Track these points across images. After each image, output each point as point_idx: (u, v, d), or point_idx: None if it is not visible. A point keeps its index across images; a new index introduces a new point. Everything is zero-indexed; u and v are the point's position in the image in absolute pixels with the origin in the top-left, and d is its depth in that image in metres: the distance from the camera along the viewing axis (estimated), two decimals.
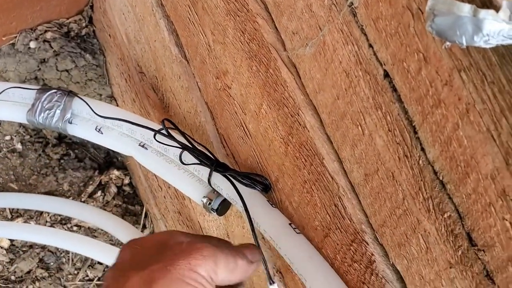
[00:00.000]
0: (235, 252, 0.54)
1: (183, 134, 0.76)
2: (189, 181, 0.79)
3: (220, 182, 0.72)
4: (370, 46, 0.44)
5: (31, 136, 1.31)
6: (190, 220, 1.03)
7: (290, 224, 0.64)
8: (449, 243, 0.43)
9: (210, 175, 0.73)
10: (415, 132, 0.43)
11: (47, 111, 0.93)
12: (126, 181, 1.34)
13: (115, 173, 1.32)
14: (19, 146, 1.30)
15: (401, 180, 0.46)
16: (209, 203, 0.76)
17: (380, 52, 0.44)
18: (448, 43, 0.33)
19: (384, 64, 0.44)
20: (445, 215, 0.43)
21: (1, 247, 1.26)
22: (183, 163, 0.76)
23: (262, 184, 0.68)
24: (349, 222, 0.55)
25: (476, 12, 0.32)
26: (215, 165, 0.72)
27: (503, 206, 0.37)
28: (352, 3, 0.45)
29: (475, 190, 0.39)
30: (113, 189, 1.31)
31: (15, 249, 1.27)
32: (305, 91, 0.56)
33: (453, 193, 0.41)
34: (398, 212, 0.48)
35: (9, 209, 1.27)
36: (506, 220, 0.37)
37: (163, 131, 0.78)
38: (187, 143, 0.76)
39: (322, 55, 0.51)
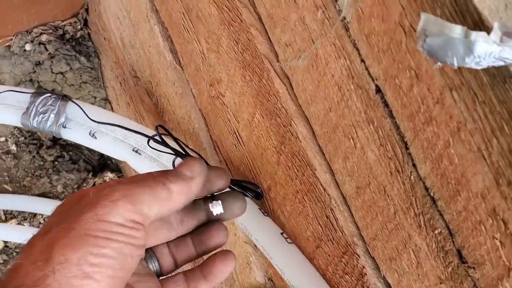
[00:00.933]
0: (162, 178, 0.46)
1: (176, 140, 0.76)
2: None
3: None
4: (362, 61, 0.44)
5: (25, 138, 1.31)
6: None
7: (282, 233, 0.64)
8: (440, 259, 0.43)
9: None
10: (407, 148, 0.43)
11: (41, 115, 0.93)
12: None
13: (109, 175, 1.32)
14: (13, 148, 1.30)
15: (392, 195, 0.46)
16: None
17: (372, 67, 0.44)
18: (439, 63, 0.33)
19: (376, 79, 0.44)
20: (436, 231, 0.43)
21: None
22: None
23: (254, 192, 0.68)
24: (341, 234, 0.54)
25: (467, 34, 0.31)
26: None
27: (493, 225, 0.37)
28: (344, 18, 0.45)
29: (465, 208, 0.39)
30: None
31: (9, 250, 1.26)
32: (297, 102, 0.56)
33: (444, 210, 0.41)
34: (390, 226, 0.48)
35: (3, 210, 1.27)
36: (496, 239, 0.37)
37: (157, 137, 0.77)
38: (180, 149, 0.75)
39: (315, 67, 0.51)
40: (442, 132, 0.39)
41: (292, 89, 0.56)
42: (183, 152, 0.75)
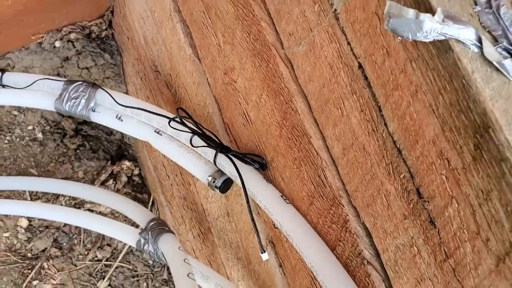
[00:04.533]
0: None
1: (194, 121, 0.89)
2: (196, 163, 0.91)
3: (224, 162, 0.84)
4: (349, 43, 0.57)
5: (51, 127, 1.44)
6: (194, 204, 1.15)
7: (281, 196, 0.76)
8: (404, 198, 0.55)
9: (215, 156, 0.85)
10: (380, 111, 0.55)
11: (73, 100, 1.06)
12: (136, 171, 1.46)
13: (126, 164, 1.45)
14: (40, 136, 1.42)
15: (369, 151, 0.58)
16: (213, 181, 0.88)
17: (356, 48, 0.56)
18: (399, 37, 0.45)
19: (358, 58, 0.56)
20: (401, 176, 0.55)
21: (20, 226, 1.38)
22: (193, 146, 0.88)
23: (259, 163, 0.81)
24: (329, 190, 0.67)
25: (418, 15, 0.44)
26: (220, 147, 0.84)
27: (441, 164, 0.49)
28: (335, 10, 0.57)
29: (422, 153, 0.51)
30: (124, 179, 1.43)
31: (33, 228, 1.39)
32: (297, 81, 0.68)
33: (406, 157, 0.53)
34: (367, 177, 0.60)
35: (28, 192, 1.39)
36: (443, 175, 0.49)
37: (177, 119, 0.90)
38: (197, 129, 0.88)
39: (312, 51, 0.63)
40: (405, 94, 0.51)
41: (294, 71, 0.69)
42: (199, 131, 0.88)
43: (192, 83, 1.00)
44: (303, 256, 0.70)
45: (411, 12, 0.44)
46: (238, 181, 0.81)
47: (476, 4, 0.47)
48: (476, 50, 0.44)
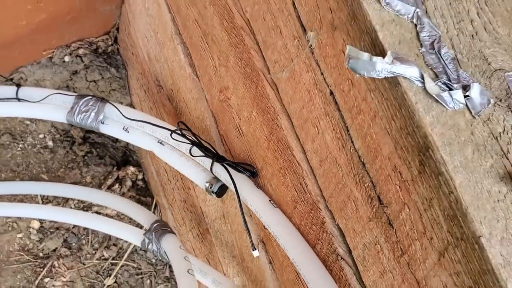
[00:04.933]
0: None
1: (193, 133, 0.99)
2: (195, 170, 1.02)
3: (220, 170, 0.95)
4: (322, 73, 0.68)
5: (61, 135, 1.55)
6: (194, 206, 1.25)
7: (270, 200, 0.87)
8: (368, 204, 0.66)
9: (212, 164, 0.96)
10: (348, 130, 0.66)
11: (84, 113, 1.17)
12: (140, 176, 1.57)
13: (131, 169, 1.56)
14: (50, 143, 1.53)
15: (341, 163, 0.69)
16: (210, 187, 0.99)
17: (327, 78, 0.67)
18: (357, 74, 0.56)
19: (330, 86, 0.67)
20: (365, 185, 0.65)
21: (33, 228, 1.49)
22: (192, 155, 0.99)
23: (250, 171, 0.91)
24: (309, 196, 0.77)
25: (371, 58, 0.55)
26: (216, 157, 0.95)
27: (395, 176, 0.60)
28: (311, 45, 0.68)
29: (380, 167, 0.62)
30: (129, 183, 1.54)
31: (44, 230, 1.49)
32: (282, 102, 0.79)
33: (369, 170, 0.64)
34: (340, 186, 0.71)
35: (40, 195, 1.50)
36: (397, 185, 0.60)
37: (178, 131, 1.01)
38: (196, 140, 0.99)
39: (293, 78, 0.74)
40: (366, 118, 0.62)
41: (279, 93, 0.79)
42: (198, 142, 0.99)
43: (192, 99, 1.10)
44: (288, 253, 0.81)
45: (365, 55, 0.55)
46: (232, 187, 0.92)
47: (421, 45, 0.58)
48: (419, 85, 0.55)
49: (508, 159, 0.55)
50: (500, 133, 0.56)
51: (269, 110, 0.82)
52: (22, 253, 1.48)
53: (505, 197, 0.53)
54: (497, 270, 0.50)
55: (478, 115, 0.56)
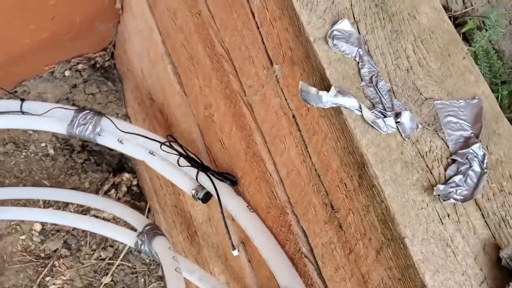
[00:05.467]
0: None
1: (180, 146, 1.11)
2: (183, 179, 1.13)
3: (204, 179, 1.07)
4: (286, 99, 0.80)
5: (61, 144, 1.67)
6: (183, 211, 1.37)
7: (247, 206, 0.99)
8: (324, 209, 0.78)
9: (197, 174, 1.08)
10: (307, 148, 0.78)
11: (82, 126, 1.29)
12: (134, 182, 1.70)
13: (126, 175, 1.68)
14: (51, 152, 1.65)
15: (303, 175, 0.81)
16: (196, 194, 1.11)
17: (290, 104, 0.79)
18: (308, 105, 0.68)
19: (292, 110, 0.79)
20: (321, 193, 0.78)
21: (35, 230, 1.61)
22: (180, 166, 1.11)
23: (231, 180, 1.03)
24: (279, 202, 0.89)
25: (318, 92, 0.67)
26: (201, 167, 1.07)
27: (342, 187, 0.72)
28: (277, 75, 0.80)
29: (331, 179, 0.74)
30: (124, 188, 1.67)
31: (45, 232, 1.61)
32: (256, 121, 0.91)
33: (323, 181, 0.76)
34: (302, 193, 0.83)
35: (42, 200, 1.62)
36: (344, 194, 0.72)
37: (167, 143, 1.13)
38: (183, 152, 1.11)
39: (264, 101, 0.86)
40: (319, 138, 0.74)
41: (253, 113, 0.92)
42: (185, 154, 1.11)
43: (180, 113, 1.23)
44: (261, 252, 0.93)
45: (313, 90, 0.67)
46: (215, 194, 1.04)
47: (362, 80, 0.70)
48: (358, 113, 0.67)
49: (432, 174, 0.67)
50: (426, 152, 0.68)
51: (246, 127, 0.94)
52: (24, 254, 1.60)
53: (427, 205, 0.65)
54: (418, 265, 0.62)
55: (408, 138, 0.68)
